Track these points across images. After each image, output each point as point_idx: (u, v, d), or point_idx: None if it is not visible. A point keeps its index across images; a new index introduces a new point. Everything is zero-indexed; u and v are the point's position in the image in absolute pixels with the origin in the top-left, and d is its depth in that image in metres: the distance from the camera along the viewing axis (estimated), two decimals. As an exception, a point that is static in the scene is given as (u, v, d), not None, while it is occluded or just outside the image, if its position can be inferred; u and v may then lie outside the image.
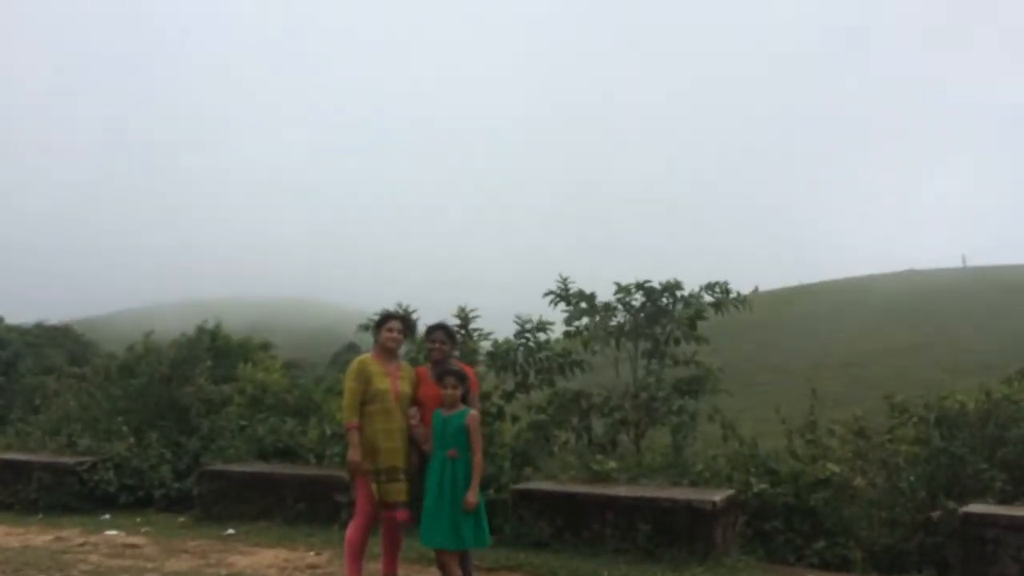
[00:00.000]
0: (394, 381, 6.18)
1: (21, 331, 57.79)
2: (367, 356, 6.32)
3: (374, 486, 6.03)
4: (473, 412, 6.02)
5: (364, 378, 6.12)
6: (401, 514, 6.07)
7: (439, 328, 6.42)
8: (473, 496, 5.80)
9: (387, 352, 6.30)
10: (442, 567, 5.97)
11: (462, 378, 6.02)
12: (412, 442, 6.16)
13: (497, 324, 10.33)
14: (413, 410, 6.18)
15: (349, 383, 6.15)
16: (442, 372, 6.08)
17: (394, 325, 6.36)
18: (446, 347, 6.35)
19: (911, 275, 65.22)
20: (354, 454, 6.02)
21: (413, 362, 7.97)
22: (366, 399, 6.09)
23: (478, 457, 5.91)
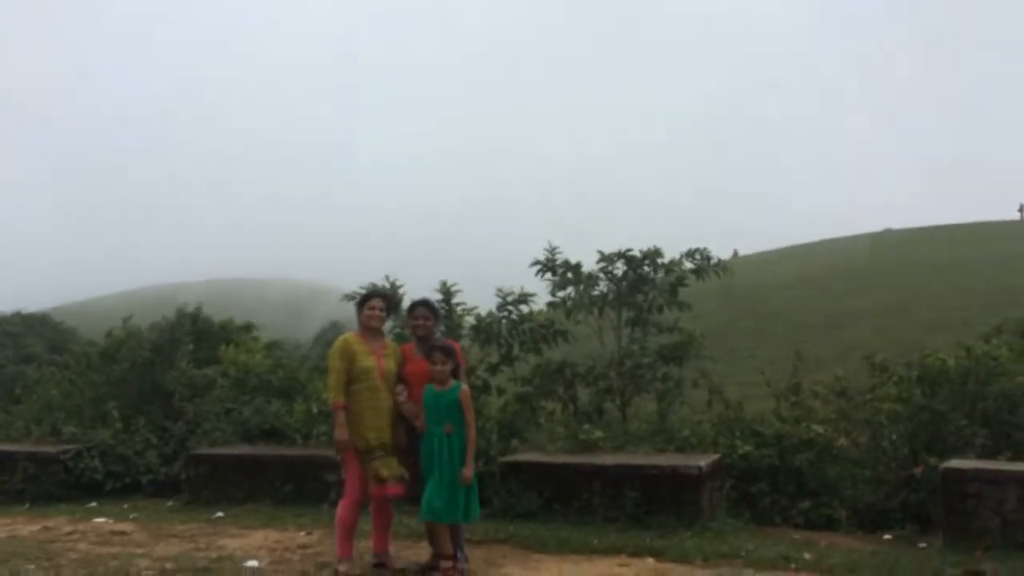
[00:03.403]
0: (379, 359, 6.17)
1: (-2, 320, 57.35)
2: (350, 335, 6.30)
3: (367, 463, 6.04)
4: (465, 387, 6.04)
5: (348, 357, 6.11)
6: (393, 488, 6.09)
7: (421, 304, 6.41)
8: (469, 471, 5.85)
9: (371, 330, 6.28)
10: (433, 540, 6.01)
11: (450, 353, 6.03)
12: (400, 418, 6.17)
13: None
14: (400, 387, 6.18)
15: (333, 362, 6.14)
16: (430, 347, 6.08)
17: (376, 303, 6.33)
18: (429, 323, 6.34)
19: (888, 235, 65.64)
20: (341, 433, 6.03)
21: (399, 338, 7.94)
22: (351, 378, 6.09)
23: (471, 432, 5.96)
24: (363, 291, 6.84)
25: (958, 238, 57.42)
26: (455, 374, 6.04)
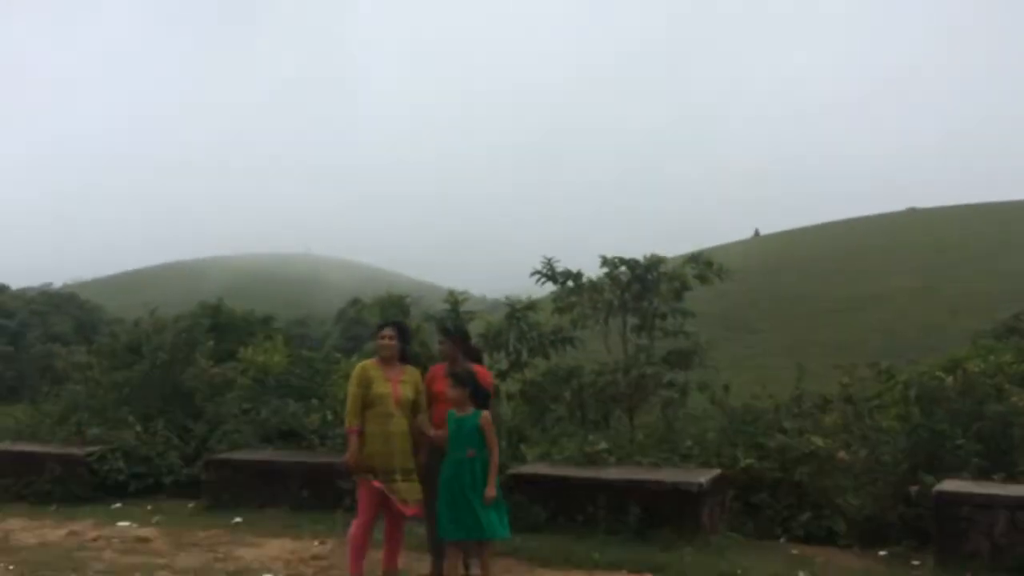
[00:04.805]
0: (395, 385, 6.41)
1: (26, 299, 58.26)
2: (369, 361, 6.58)
3: (389, 484, 6.31)
4: (486, 413, 6.25)
5: (365, 383, 6.38)
6: (406, 509, 6.35)
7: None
8: (492, 490, 6.08)
9: (387, 358, 6.52)
10: (439, 558, 6.37)
11: (463, 380, 6.26)
12: (417, 443, 6.41)
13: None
14: (422, 417, 6.43)
15: (351, 388, 6.44)
16: (449, 373, 6.35)
17: (386, 332, 6.57)
18: (444, 346, 6.64)
19: (913, 214, 65.04)
20: (350, 457, 6.33)
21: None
22: (366, 403, 6.36)
23: (494, 455, 6.19)
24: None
25: (984, 217, 56.90)
26: (484, 403, 6.27)
